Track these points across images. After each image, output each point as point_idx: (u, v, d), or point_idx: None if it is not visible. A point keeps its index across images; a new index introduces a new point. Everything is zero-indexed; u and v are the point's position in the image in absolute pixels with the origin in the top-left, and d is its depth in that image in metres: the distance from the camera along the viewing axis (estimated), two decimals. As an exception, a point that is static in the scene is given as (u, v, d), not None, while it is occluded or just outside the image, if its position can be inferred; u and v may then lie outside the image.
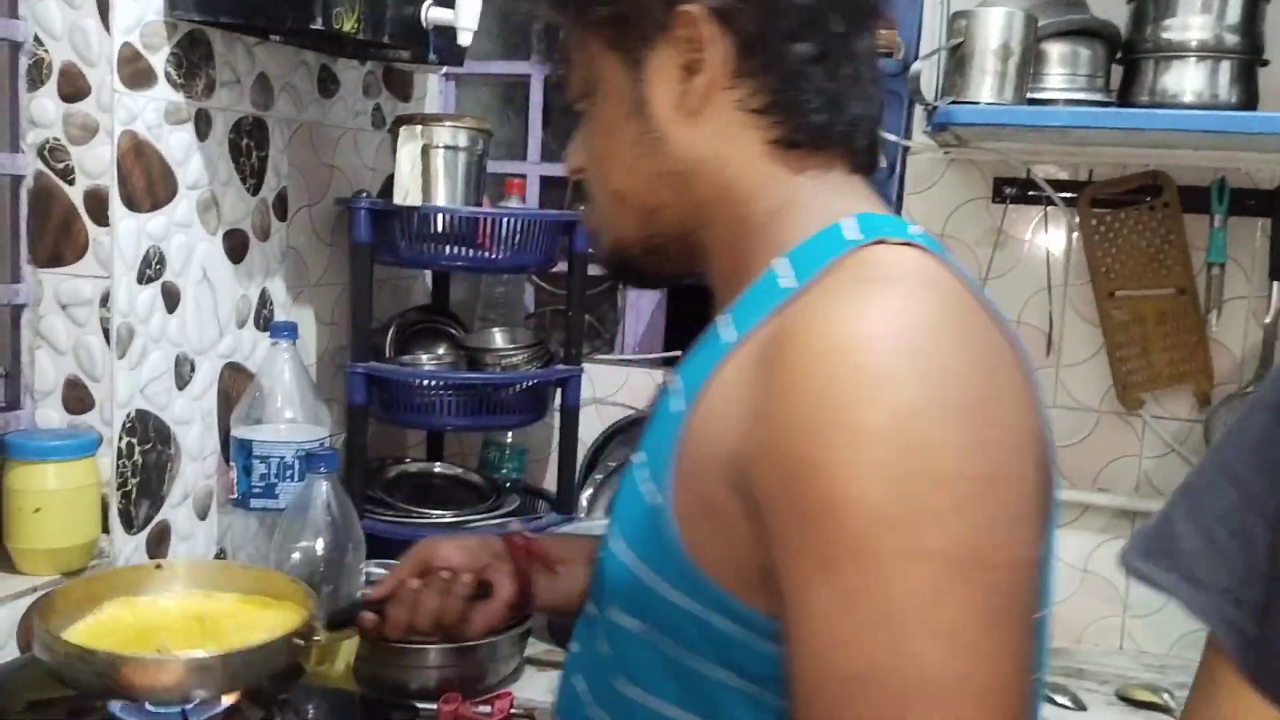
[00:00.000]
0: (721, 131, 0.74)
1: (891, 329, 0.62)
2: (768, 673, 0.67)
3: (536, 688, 1.41)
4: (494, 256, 1.60)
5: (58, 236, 1.30)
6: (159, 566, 1.18)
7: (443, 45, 1.52)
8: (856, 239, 0.69)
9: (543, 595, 1.03)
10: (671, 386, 0.74)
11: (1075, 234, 1.64)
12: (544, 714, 1.32)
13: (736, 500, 0.65)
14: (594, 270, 1.80)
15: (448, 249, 1.58)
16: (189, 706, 1.00)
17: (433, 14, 1.46)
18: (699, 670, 0.70)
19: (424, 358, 1.73)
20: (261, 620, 1.09)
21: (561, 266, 1.73)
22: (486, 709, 1.29)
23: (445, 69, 1.88)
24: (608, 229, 0.81)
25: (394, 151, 1.57)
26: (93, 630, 1.05)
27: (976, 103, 1.41)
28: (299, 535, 1.23)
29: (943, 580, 0.58)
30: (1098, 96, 1.47)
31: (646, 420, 0.78)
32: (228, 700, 1.04)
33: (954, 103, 1.43)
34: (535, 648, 1.48)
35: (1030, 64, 1.43)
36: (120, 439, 1.32)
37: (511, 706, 1.31)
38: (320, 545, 1.23)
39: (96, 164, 1.28)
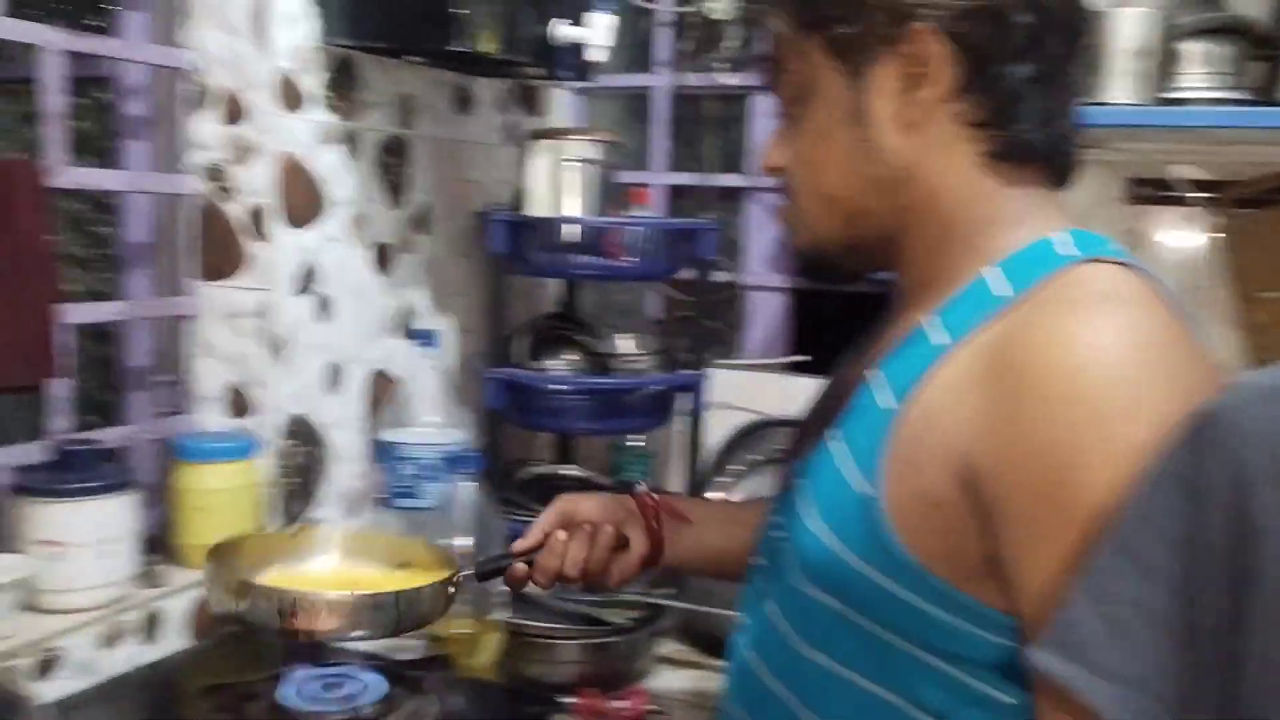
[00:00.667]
0: (937, 141, 0.78)
1: (1139, 347, 0.68)
2: (969, 655, 0.73)
3: (669, 686, 1.44)
4: (622, 265, 1.64)
5: (220, 252, 1.38)
6: (300, 532, 1.25)
7: (572, 61, 1.57)
8: (1070, 255, 0.74)
9: (670, 551, 1.09)
10: (872, 380, 0.79)
11: (1214, 235, 1.61)
12: (678, 708, 1.36)
13: (963, 496, 0.70)
14: (719, 277, 1.84)
15: (578, 258, 1.63)
16: (352, 692, 1.05)
17: (561, 32, 1.51)
18: (897, 647, 0.75)
19: (556, 363, 1.78)
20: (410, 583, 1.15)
21: (687, 273, 1.77)
22: (622, 704, 1.33)
23: (577, 84, 1.93)
24: (811, 227, 0.85)
25: (525, 165, 1.63)
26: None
27: (1111, 103, 1.40)
28: (443, 533, 1.29)
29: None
30: (1239, 95, 1.43)
31: (838, 409, 0.81)
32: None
33: (1088, 104, 1.42)
34: (666, 646, 1.52)
35: (1167, 63, 1.41)
36: (278, 442, 1.40)
37: (646, 702, 1.34)
38: (463, 544, 1.29)
39: (256, 183, 1.36)
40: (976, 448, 0.70)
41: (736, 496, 1.86)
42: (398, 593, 1.05)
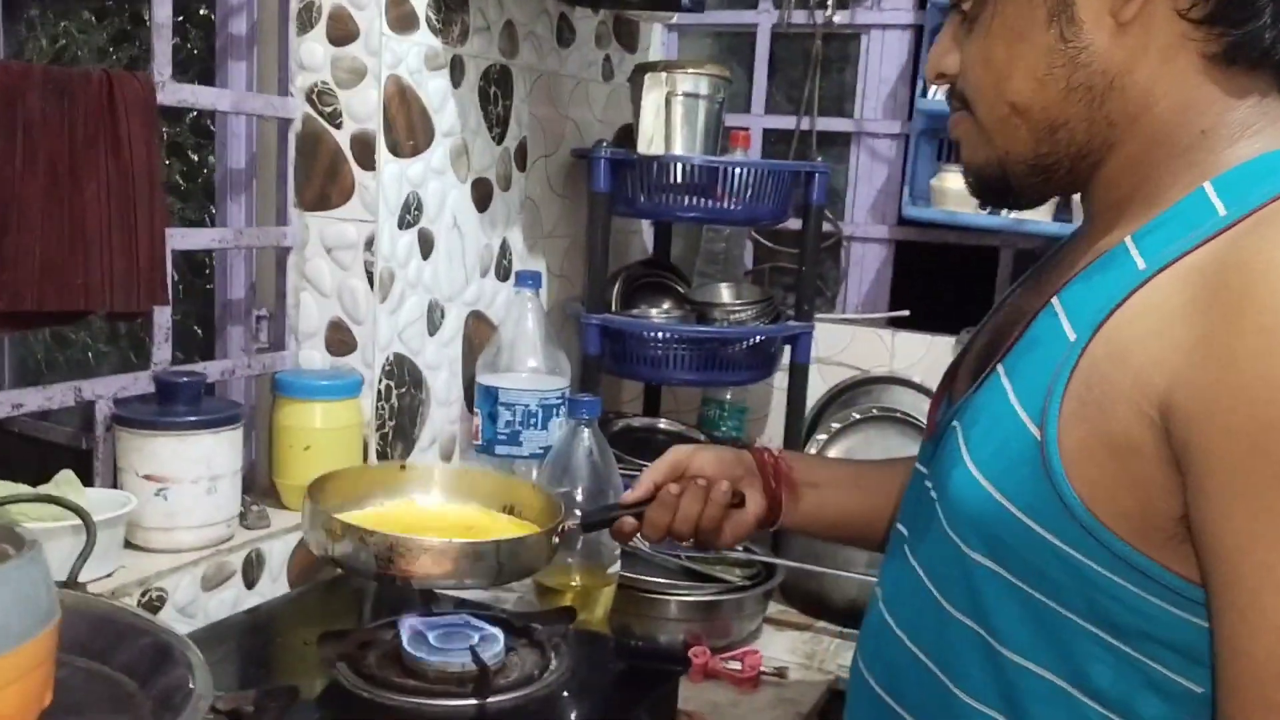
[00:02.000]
0: (1154, 42, 0.67)
1: None
2: (1149, 632, 0.63)
3: (777, 646, 1.39)
4: (729, 208, 1.57)
5: (324, 180, 1.32)
6: (403, 468, 1.20)
7: (677, -7, 1.49)
8: None
9: (789, 513, 1.03)
10: (1054, 309, 0.70)
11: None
12: (789, 670, 1.30)
13: (1156, 442, 0.61)
14: (826, 226, 1.76)
15: (684, 199, 1.55)
16: (476, 642, 1.00)
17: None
18: (1062, 618, 0.66)
19: (651, 311, 1.72)
20: (513, 529, 1.11)
21: (785, 223, 1.69)
22: (736, 664, 1.28)
23: (675, 17, 1.85)
24: (992, 143, 0.74)
25: (634, 100, 1.55)
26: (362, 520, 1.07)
27: None
28: (560, 481, 1.23)
29: None
30: None
31: (1005, 343, 0.73)
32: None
33: None
34: (773, 608, 1.46)
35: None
36: (380, 381, 1.34)
37: (760, 663, 1.28)
38: (580, 492, 1.22)
39: (363, 108, 1.29)
40: (1179, 385, 0.60)
41: (834, 454, 1.79)
42: (499, 542, 1.01)
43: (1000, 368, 0.72)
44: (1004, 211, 1.66)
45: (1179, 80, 0.68)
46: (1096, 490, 0.63)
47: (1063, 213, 1.67)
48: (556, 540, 1.04)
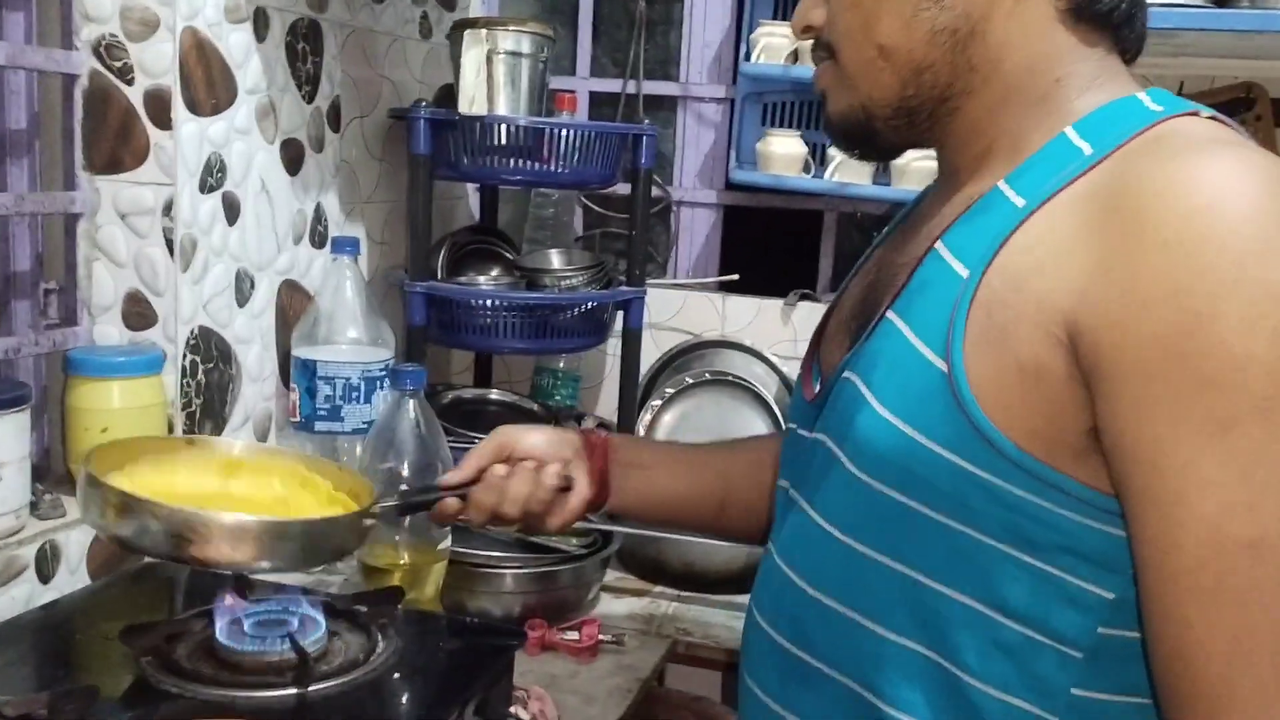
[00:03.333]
0: None
1: (1263, 187, 0.60)
2: (1062, 544, 0.66)
3: (616, 614, 1.37)
4: (557, 171, 1.53)
5: (116, 140, 1.21)
6: (191, 443, 1.08)
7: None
8: (1159, 110, 0.68)
9: (618, 497, 1.03)
10: (938, 252, 0.73)
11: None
12: (628, 636, 1.28)
13: (1065, 361, 0.64)
14: (656, 191, 1.74)
15: (510, 162, 1.51)
16: (295, 628, 0.94)
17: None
18: (975, 541, 0.68)
19: (479, 279, 1.67)
20: (295, 498, 1.04)
21: (614, 188, 1.67)
22: (574, 635, 1.25)
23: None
24: (856, 88, 0.77)
25: (454, 58, 1.50)
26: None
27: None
28: (384, 456, 1.17)
29: None
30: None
31: (899, 291, 0.75)
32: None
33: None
34: (610, 575, 1.44)
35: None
36: (184, 357, 1.25)
37: (599, 631, 1.26)
38: (406, 466, 1.17)
39: (157, 62, 1.20)
40: (1084, 304, 0.63)
41: (669, 418, 1.79)
42: (306, 522, 0.94)
43: (890, 313, 0.74)
44: (828, 174, 1.68)
45: (1034, 30, 0.72)
46: (1007, 413, 0.65)
47: (882, 176, 1.70)
48: (369, 522, 0.97)
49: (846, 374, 0.77)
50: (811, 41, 0.81)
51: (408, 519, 1.15)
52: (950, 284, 0.70)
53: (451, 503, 1.00)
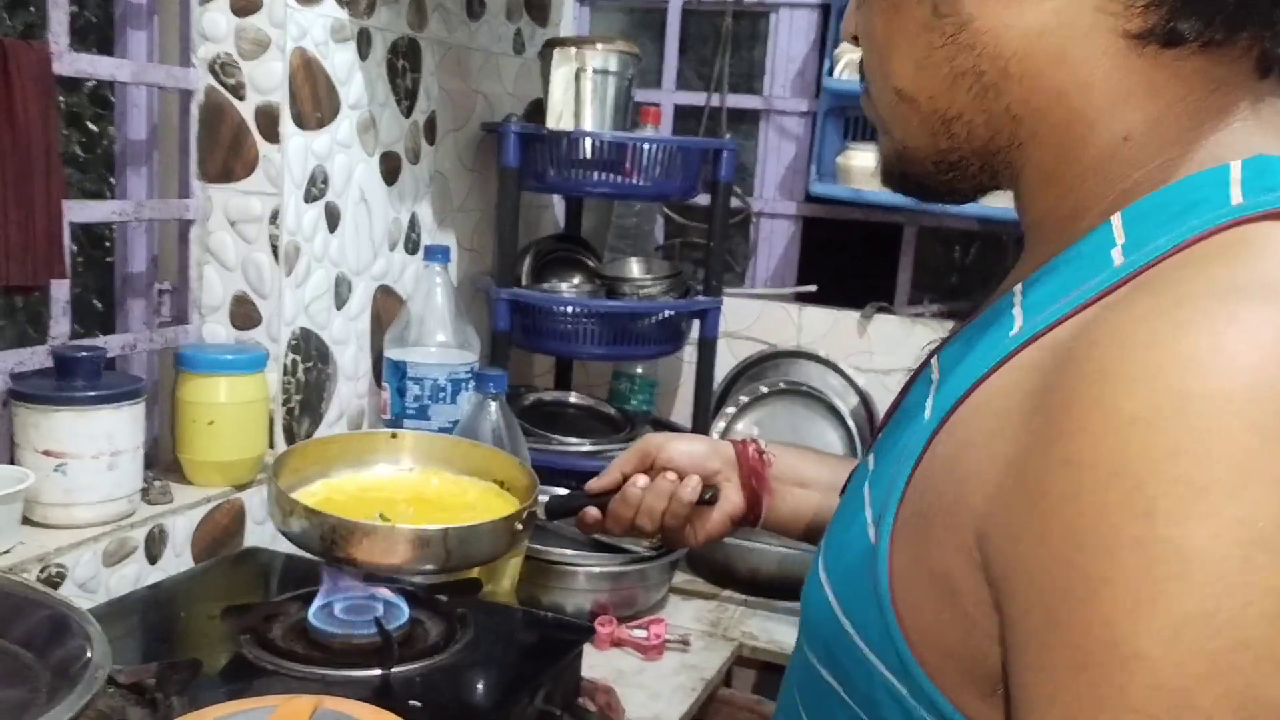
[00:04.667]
0: (1057, 17, 0.51)
1: (1252, 391, 0.40)
2: None
3: (683, 615, 1.42)
4: (638, 184, 1.58)
5: (228, 152, 1.30)
6: (394, 436, 1.16)
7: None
8: (1239, 205, 0.47)
9: (771, 515, 0.95)
10: (928, 373, 0.59)
11: None
12: (694, 638, 1.33)
13: (974, 578, 0.48)
14: (734, 203, 1.78)
15: (594, 175, 1.57)
16: (380, 614, 1.01)
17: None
18: None
19: (562, 286, 1.73)
20: (484, 503, 1.09)
21: (695, 199, 1.72)
22: (642, 633, 1.30)
23: (587, -7, 1.86)
24: (889, 133, 0.61)
25: (543, 75, 1.56)
26: (320, 494, 1.07)
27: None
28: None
29: None
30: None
31: (892, 410, 0.63)
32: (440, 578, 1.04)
33: None
34: (679, 578, 1.49)
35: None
36: (286, 356, 1.34)
37: (665, 631, 1.31)
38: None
39: (267, 80, 1.28)
40: (993, 513, 0.47)
41: (741, 427, 1.83)
42: (447, 529, 0.96)
43: (878, 443, 0.61)
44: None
45: (1094, 65, 0.52)
46: (919, 620, 0.51)
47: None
48: (520, 527, 1.00)
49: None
50: None
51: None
52: (916, 427, 0.54)
53: (592, 512, 0.98)
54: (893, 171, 0.63)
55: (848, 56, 1.72)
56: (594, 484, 0.99)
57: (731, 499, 0.96)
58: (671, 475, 0.95)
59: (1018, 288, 0.54)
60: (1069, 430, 0.43)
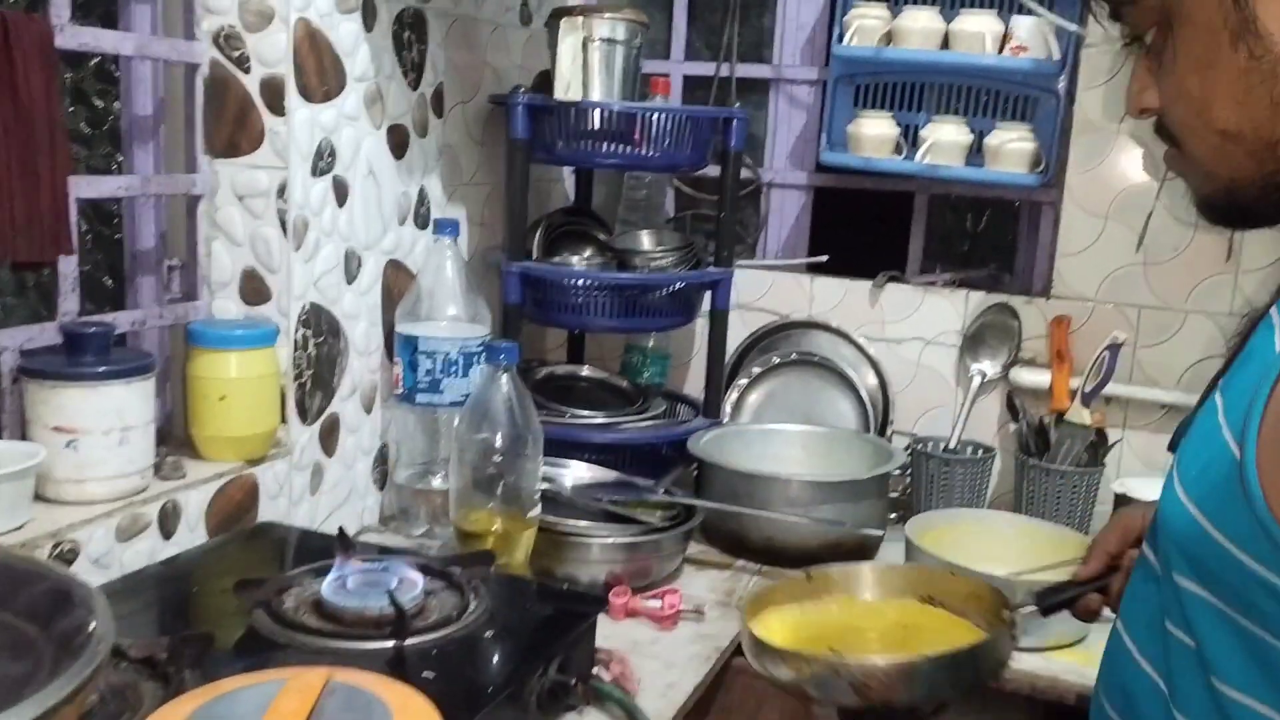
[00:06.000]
0: None
1: None
2: None
3: (697, 585, 1.41)
4: (648, 154, 1.57)
5: (234, 126, 1.29)
6: (809, 578, 1.06)
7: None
8: None
9: None
10: (1269, 320, 0.66)
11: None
12: (708, 607, 1.33)
13: None
14: (744, 173, 1.77)
15: (603, 146, 1.56)
16: (394, 587, 1.01)
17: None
18: (1273, 647, 0.61)
19: (573, 259, 1.72)
20: (949, 623, 1.03)
21: (705, 170, 1.71)
22: (656, 603, 1.30)
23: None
24: (1214, 175, 0.69)
25: (550, 45, 1.55)
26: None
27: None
28: (479, 427, 1.24)
29: None
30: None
31: (1231, 357, 0.70)
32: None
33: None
34: (693, 548, 1.48)
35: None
36: (296, 331, 1.33)
37: (680, 601, 1.31)
38: (499, 438, 1.23)
39: (272, 52, 1.27)
40: None
41: (754, 398, 1.82)
42: (973, 648, 0.90)
43: (1223, 381, 0.68)
44: (919, 156, 1.69)
45: None
46: None
47: (975, 158, 1.70)
48: (1016, 632, 0.95)
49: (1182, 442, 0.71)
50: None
51: (501, 486, 1.22)
52: (1265, 358, 0.63)
53: (1094, 598, 0.96)
54: (1221, 208, 0.71)
55: (858, 23, 1.70)
56: (1083, 571, 0.97)
57: None
58: None
59: None
60: None
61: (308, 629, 0.98)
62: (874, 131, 1.72)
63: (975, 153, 1.70)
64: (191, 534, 1.22)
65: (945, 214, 1.92)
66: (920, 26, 1.66)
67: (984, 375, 1.73)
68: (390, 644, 0.96)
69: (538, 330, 1.91)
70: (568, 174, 1.94)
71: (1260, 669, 0.62)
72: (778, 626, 1.00)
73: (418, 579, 1.06)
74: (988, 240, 1.91)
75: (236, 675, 0.85)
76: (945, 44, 1.67)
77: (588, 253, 1.76)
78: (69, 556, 1.07)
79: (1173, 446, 0.76)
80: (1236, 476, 0.61)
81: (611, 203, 1.94)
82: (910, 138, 1.75)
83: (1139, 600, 0.75)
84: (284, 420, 1.33)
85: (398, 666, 0.93)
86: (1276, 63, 0.63)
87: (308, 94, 1.31)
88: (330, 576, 1.03)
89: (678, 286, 1.65)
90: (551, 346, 1.97)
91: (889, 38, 1.70)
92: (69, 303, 1.17)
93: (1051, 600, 0.97)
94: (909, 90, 1.81)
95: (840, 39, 1.73)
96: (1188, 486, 0.66)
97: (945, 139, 1.67)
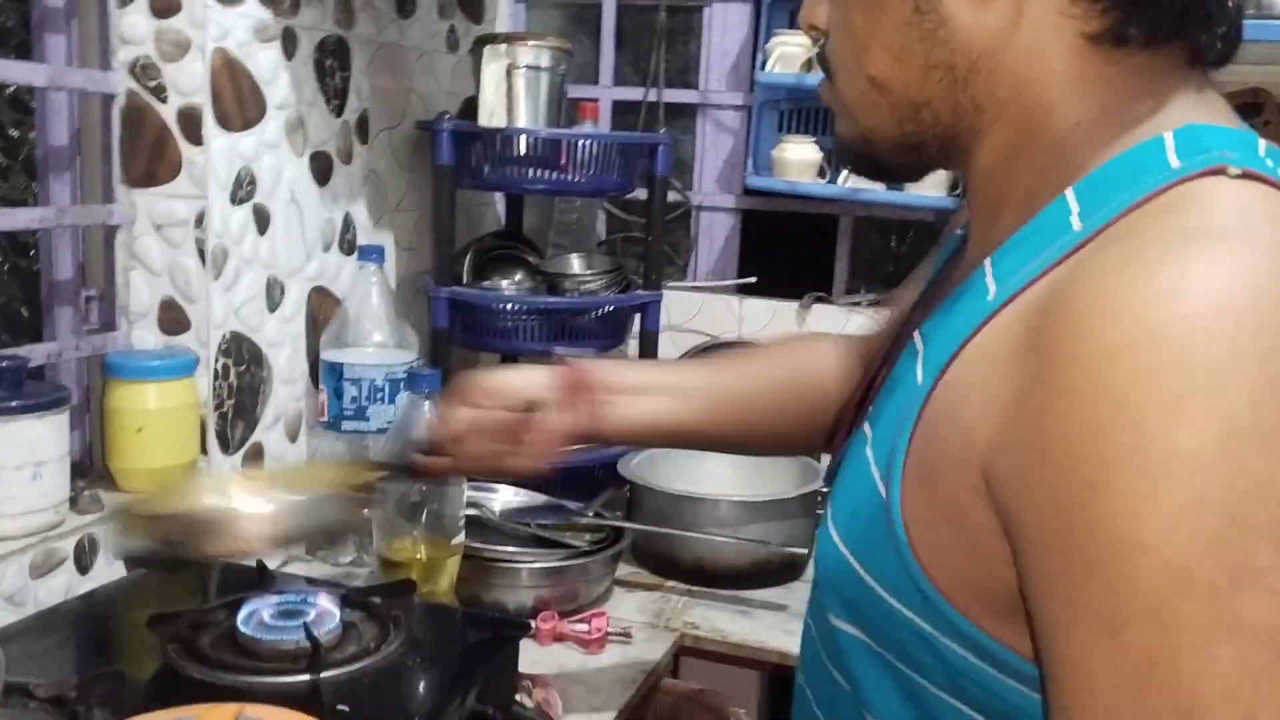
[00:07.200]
0: (1025, 19, 0.58)
1: (1217, 312, 0.46)
2: (1003, 711, 0.57)
3: (627, 608, 1.42)
4: (575, 180, 1.58)
5: (151, 156, 1.29)
6: (216, 478, 1.14)
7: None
8: (1189, 163, 0.54)
9: (615, 424, 0.94)
10: (913, 345, 0.63)
11: None
12: (636, 629, 1.33)
13: (983, 510, 0.54)
14: (672, 196, 1.78)
15: (530, 172, 1.57)
16: (310, 619, 1.01)
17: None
18: (928, 691, 0.60)
19: (503, 283, 1.73)
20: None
21: (636, 193, 1.72)
22: (584, 626, 1.30)
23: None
24: (855, 116, 0.66)
25: (475, 72, 1.55)
26: None
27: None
28: (401, 456, 1.23)
29: (1260, 666, 0.45)
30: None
31: (879, 383, 0.67)
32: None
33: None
34: (623, 570, 1.49)
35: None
36: (216, 360, 1.32)
37: (607, 624, 1.31)
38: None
39: (189, 82, 1.26)
40: (997, 449, 0.52)
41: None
42: (282, 501, 0.95)
43: (870, 410, 0.66)
44: (841, 180, 1.71)
45: (1054, 63, 0.59)
46: (936, 558, 0.57)
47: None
48: (362, 495, 0.99)
49: (840, 463, 0.70)
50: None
51: (424, 515, 1.22)
52: (909, 391, 0.60)
53: (420, 459, 0.99)
54: (854, 153, 0.69)
55: (780, 50, 1.72)
56: (419, 433, 1.00)
57: (556, 417, 0.92)
58: (495, 409, 0.94)
59: (987, 261, 0.60)
60: (1059, 363, 0.49)
61: (223, 664, 0.97)
62: (797, 156, 1.74)
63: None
64: (109, 569, 1.21)
65: (870, 235, 1.96)
66: (841, 52, 1.69)
67: (910, 393, 1.76)
68: (306, 677, 0.95)
69: (469, 355, 1.91)
70: (499, 198, 1.94)
71: (917, 712, 0.61)
72: None
73: (335, 610, 1.05)
74: (911, 260, 1.94)
75: (147, 714, 0.84)
76: (866, 69, 1.70)
77: (518, 276, 1.76)
78: (-21, 595, 1.06)
79: (829, 479, 0.73)
80: (883, 519, 0.59)
81: (543, 226, 1.95)
82: (833, 162, 1.78)
83: (807, 642, 0.74)
84: (204, 451, 1.32)
85: (313, 700, 0.93)
86: (939, 26, 0.60)
87: (226, 123, 1.30)
88: (246, 610, 1.02)
89: (608, 309, 1.66)
90: (486, 368, 1.97)
91: (810, 64, 1.72)
92: (-20, 336, 1.15)
93: (389, 466, 1.03)
94: (830, 116, 1.84)
95: (763, 66, 1.75)
96: (839, 527, 0.64)
97: (867, 162, 1.70)
